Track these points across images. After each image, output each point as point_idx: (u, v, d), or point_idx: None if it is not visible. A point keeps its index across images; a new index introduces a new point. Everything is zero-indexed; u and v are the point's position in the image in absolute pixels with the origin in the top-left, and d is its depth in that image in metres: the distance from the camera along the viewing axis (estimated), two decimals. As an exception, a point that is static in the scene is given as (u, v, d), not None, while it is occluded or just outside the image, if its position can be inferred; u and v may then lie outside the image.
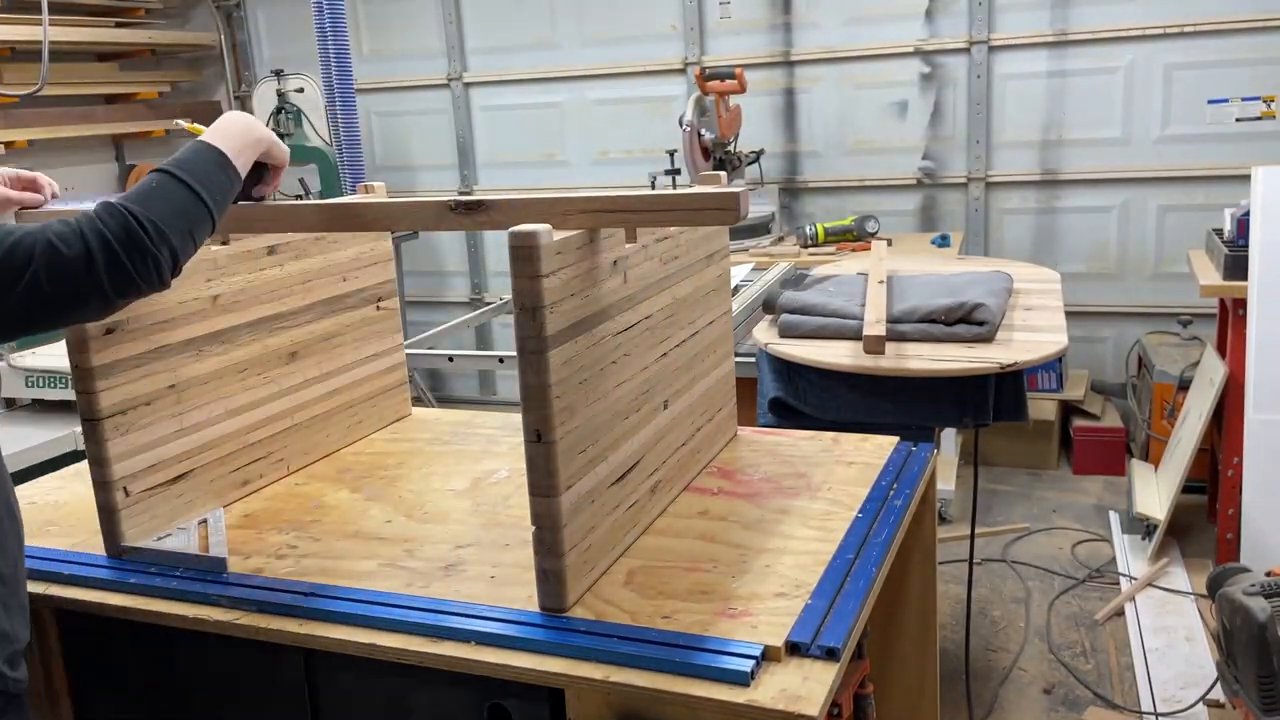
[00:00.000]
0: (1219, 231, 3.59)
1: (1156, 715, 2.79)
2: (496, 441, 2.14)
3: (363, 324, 2.18)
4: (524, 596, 1.46)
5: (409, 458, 2.08)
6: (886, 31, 4.80)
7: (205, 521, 1.77)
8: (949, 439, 4.17)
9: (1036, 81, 4.63)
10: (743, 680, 1.25)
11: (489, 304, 4.68)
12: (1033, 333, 2.42)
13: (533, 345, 1.33)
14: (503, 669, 1.34)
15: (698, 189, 1.63)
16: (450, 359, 3.41)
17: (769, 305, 2.67)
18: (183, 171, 1.37)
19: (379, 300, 2.22)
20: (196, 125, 1.51)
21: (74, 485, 2.04)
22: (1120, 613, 3.33)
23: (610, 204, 1.45)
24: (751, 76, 4.66)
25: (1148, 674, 2.96)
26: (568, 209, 1.41)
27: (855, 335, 2.39)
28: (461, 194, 5.69)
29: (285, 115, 5.30)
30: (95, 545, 1.72)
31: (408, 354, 2.54)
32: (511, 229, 1.32)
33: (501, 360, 3.37)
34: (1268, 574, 2.43)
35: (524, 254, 1.31)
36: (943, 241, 4.36)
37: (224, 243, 1.84)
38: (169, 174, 1.36)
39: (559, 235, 1.35)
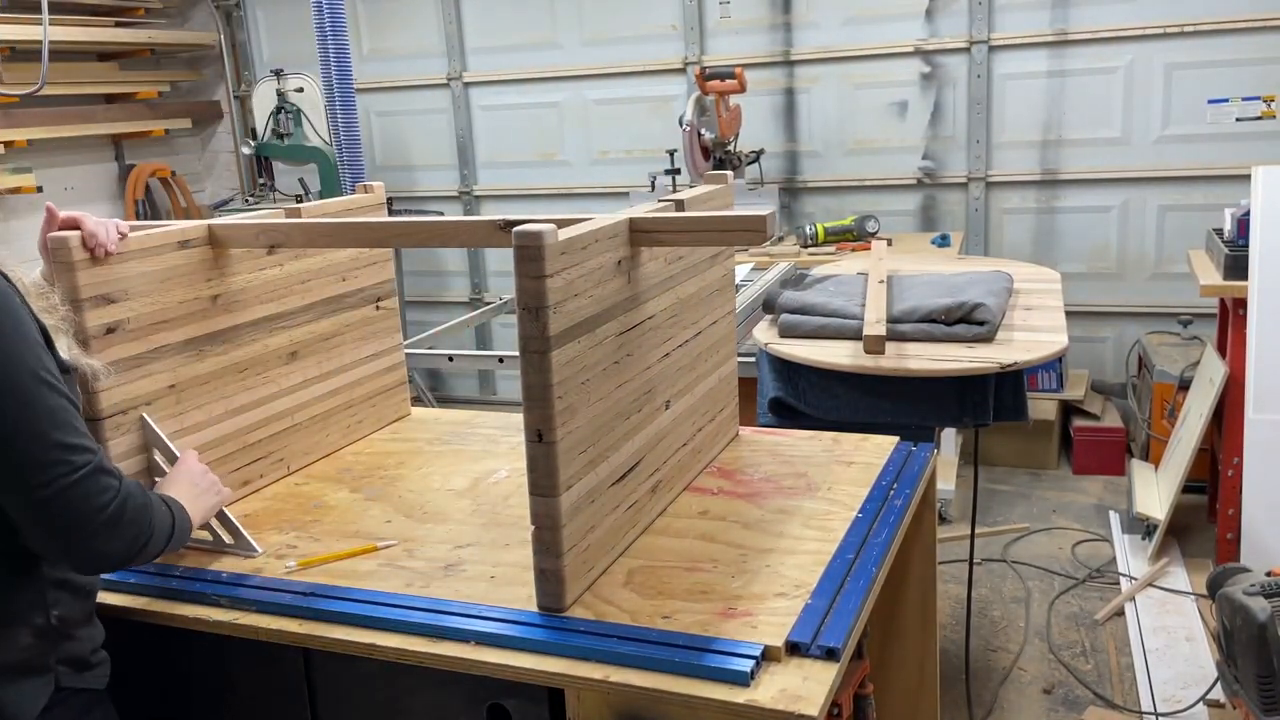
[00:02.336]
0: (1219, 231, 3.59)
1: (1156, 715, 2.79)
2: (496, 441, 2.14)
3: (362, 324, 2.18)
4: (524, 596, 1.46)
5: (409, 458, 2.08)
6: (886, 31, 4.80)
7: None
8: (949, 439, 4.17)
9: (1036, 81, 4.63)
10: (743, 680, 1.25)
11: (489, 304, 4.68)
12: (1033, 333, 2.42)
13: (535, 345, 1.33)
14: (502, 669, 1.34)
15: (729, 212, 1.64)
16: (450, 359, 3.41)
17: (769, 305, 2.67)
18: (177, 527, 1.50)
19: (378, 300, 2.22)
20: None
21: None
22: (1120, 613, 3.33)
23: (645, 225, 1.49)
24: (751, 76, 4.66)
25: (1148, 674, 2.96)
26: (599, 235, 1.44)
27: (855, 335, 2.39)
28: (462, 193, 5.69)
29: (285, 115, 5.30)
30: (95, 545, 1.72)
31: (408, 354, 2.54)
32: (516, 229, 1.31)
33: (501, 360, 3.37)
34: (1268, 574, 2.43)
35: (528, 254, 1.31)
36: (943, 241, 4.36)
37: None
38: (172, 519, 1.48)
39: (563, 235, 1.35)
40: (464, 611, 1.43)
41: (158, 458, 1.71)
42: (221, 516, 1.69)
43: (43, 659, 1.37)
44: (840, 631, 1.33)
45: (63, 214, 1.59)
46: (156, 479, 1.69)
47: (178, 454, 1.70)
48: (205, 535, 1.69)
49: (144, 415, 1.70)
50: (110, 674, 1.47)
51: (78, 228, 1.58)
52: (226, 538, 1.70)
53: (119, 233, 1.63)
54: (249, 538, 1.69)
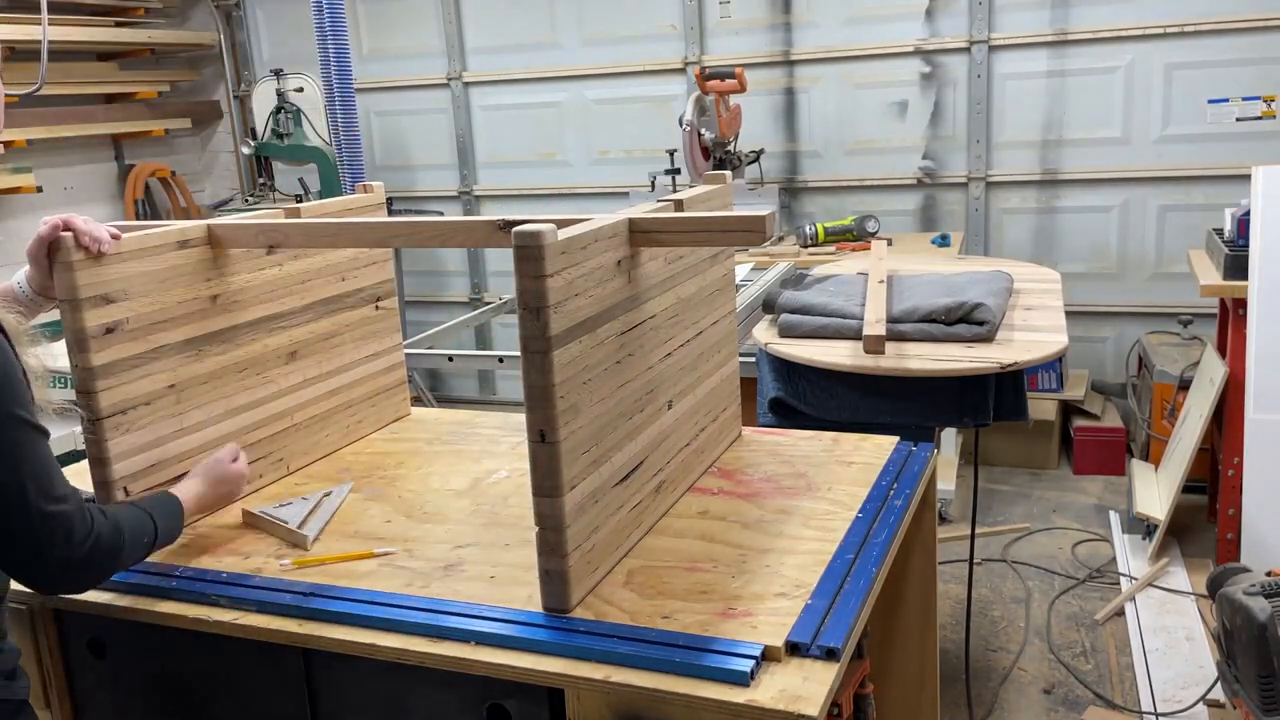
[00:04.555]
0: (1219, 231, 3.59)
1: (1156, 715, 2.79)
2: (496, 441, 2.14)
3: (362, 324, 2.18)
4: (524, 596, 1.46)
5: (408, 458, 2.08)
6: (886, 31, 4.80)
7: (329, 494, 1.87)
8: (949, 439, 4.17)
9: (1036, 81, 4.63)
10: (743, 680, 1.24)
11: (489, 304, 4.68)
12: (1033, 333, 2.42)
13: (536, 345, 1.33)
14: (502, 669, 1.34)
15: (729, 212, 1.64)
16: (450, 359, 3.41)
17: (769, 305, 2.67)
18: (161, 533, 1.55)
19: (378, 300, 2.22)
20: None
21: (74, 485, 2.03)
22: (1120, 613, 3.33)
23: (645, 225, 1.49)
24: (751, 76, 4.66)
25: (1148, 674, 2.96)
26: (599, 235, 1.44)
27: (855, 335, 2.39)
28: (462, 193, 5.69)
29: (285, 115, 5.30)
30: (95, 545, 1.72)
31: (407, 354, 2.54)
32: (516, 229, 1.31)
33: (501, 360, 3.36)
34: (1268, 574, 2.43)
35: (529, 254, 1.30)
36: (943, 241, 4.35)
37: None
38: (155, 531, 1.52)
39: (563, 235, 1.35)
40: (464, 611, 1.43)
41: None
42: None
43: None
44: (840, 631, 1.33)
45: (52, 219, 1.60)
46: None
47: None
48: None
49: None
50: (114, 674, 1.47)
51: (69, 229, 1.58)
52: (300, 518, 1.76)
53: (110, 235, 1.63)
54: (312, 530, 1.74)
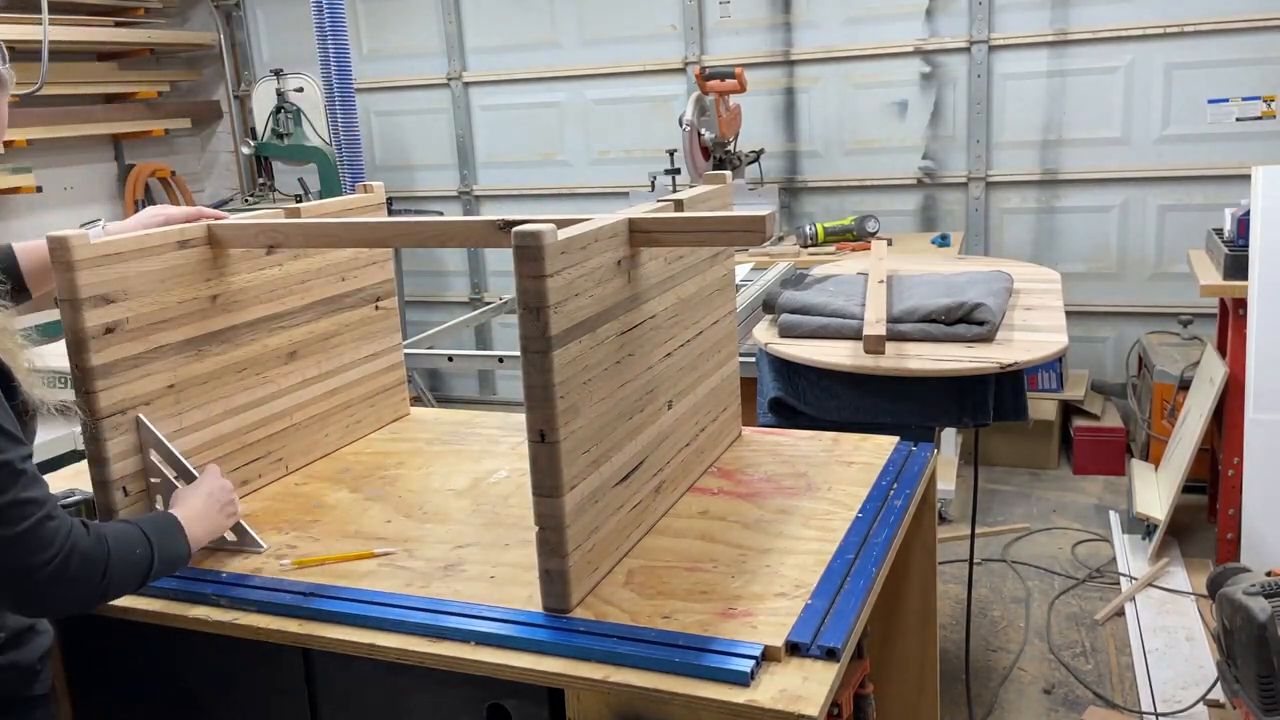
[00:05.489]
0: (1219, 231, 3.59)
1: (1156, 715, 2.79)
2: (496, 441, 2.14)
3: (361, 324, 2.18)
4: (524, 596, 1.46)
5: (408, 458, 2.08)
6: (886, 31, 4.80)
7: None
8: (949, 439, 4.17)
9: (1036, 81, 4.63)
10: (743, 680, 1.24)
11: (489, 304, 4.68)
12: (1033, 333, 2.42)
13: (536, 345, 1.33)
14: (502, 669, 1.34)
15: (729, 212, 1.64)
16: (450, 359, 3.41)
17: (769, 305, 2.67)
18: (159, 559, 1.45)
19: (378, 300, 2.22)
20: None
21: (74, 485, 2.03)
22: (1120, 613, 3.33)
23: (645, 225, 1.49)
24: (751, 76, 4.66)
25: (1148, 674, 2.96)
26: (599, 235, 1.44)
27: (855, 335, 2.39)
28: (462, 193, 5.69)
29: (284, 115, 5.30)
30: (95, 545, 1.72)
31: (407, 354, 2.54)
32: (516, 229, 1.31)
33: (501, 360, 3.36)
34: (1268, 574, 2.43)
35: (529, 253, 1.30)
36: (943, 241, 4.35)
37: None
38: (147, 542, 1.43)
39: (563, 235, 1.35)
40: (464, 611, 1.43)
41: (154, 458, 1.70)
42: None
43: None
44: (840, 631, 1.33)
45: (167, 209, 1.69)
46: (159, 496, 1.69)
47: (195, 473, 1.70)
48: None
49: (140, 417, 1.70)
50: (114, 674, 1.47)
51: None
52: (230, 536, 1.70)
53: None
54: (255, 535, 1.70)
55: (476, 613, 1.43)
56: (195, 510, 1.59)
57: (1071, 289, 3.93)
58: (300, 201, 4.98)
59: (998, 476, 4.48)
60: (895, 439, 2.00)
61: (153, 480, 1.69)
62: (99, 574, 1.33)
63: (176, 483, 1.68)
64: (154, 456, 1.70)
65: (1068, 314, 2.59)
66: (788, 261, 4.06)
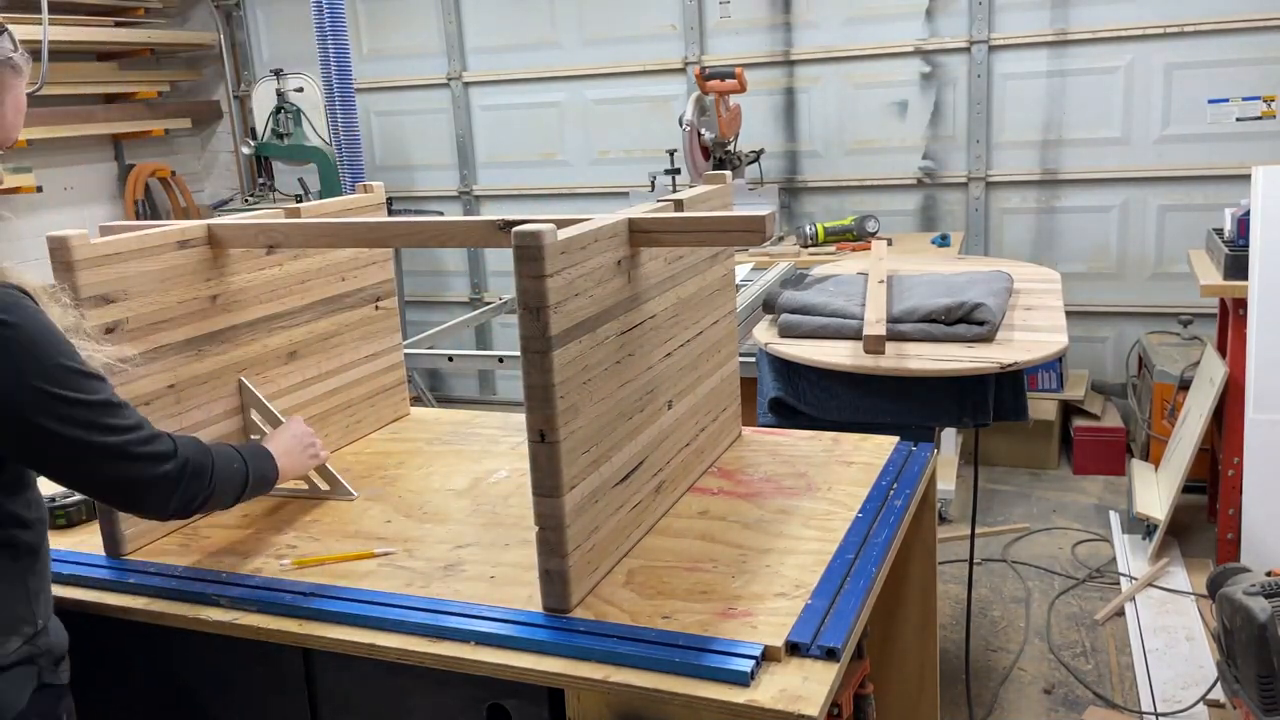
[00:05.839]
0: (1219, 231, 3.59)
1: (1156, 715, 2.79)
2: (496, 441, 2.14)
3: (361, 324, 2.18)
4: (524, 596, 1.46)
5: (408, 458, 2.08)
6: (886, 31, 4.80)
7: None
8: (949, 439, 4.17)
9: (1036, 81, 4.63)
10: (743, 680, 1.24)
11: (489, 304, 4.68)
12: (1033, 333, 2.42)
13: (536, 345, 1.33)
14: (502, 669, 1.34)
15: (729, 212, 1.64)
16: (450, 359, 3.41)
17: (769, 305, 2.67)
18: (253, 476, 1.62)
19: (377, 300, 2.22)
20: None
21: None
22: (1120, 613, 3.33)
23: (645, 225, 1.49)
24: (751, 76, 4.66)
25: (1148, 674, 2.96)
26: (599, 235, 1.44)
27: (855, 335, 2.39)
28: (462, 193, 5.69)
29: (284, 115, 5.30)
30: (95, 545, 1.72)
31: (407, 354, 2.54)
32: (516, 229, 1.31)
33: (501, 360, 3.36)
34: (1268, 574, 2.43)
35: (528, 254, 1.30)
36: (943, 241, 4.35)
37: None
38: (241, 460, 1.60)
39: (563, 235, 1.35)
40: (464, 611, 1.43)
41: (255, 417, 1.88)
42: (320, 468, 1.87)
43: (30, 656, 1.38)
44: (840, 631, 1.33)
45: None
46: (254, 436, 1.87)
47: (282, 419, 1.87)
48: (303, 485, 1.88)
49: (243, 380, 1.88)
50: (114, 674, 1.47)
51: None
52: (323, 484, 1.88)
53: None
54: (345, 484, 1.88)
55: (476, 613, 1.43)
56: (282, 446, 1.75)
57: (1071, 289, 3.92)
58: (300, 201, 4.99)
59: (998, 476, 4.48)
60: (895, 439, 2.00)
61: (254, 437, 1.87)
62: (207, 478, 1.48)
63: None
64: (255, 416, 1.89)
65: (1068, 314, 2.59)
66: (788, 261, 4.06)
